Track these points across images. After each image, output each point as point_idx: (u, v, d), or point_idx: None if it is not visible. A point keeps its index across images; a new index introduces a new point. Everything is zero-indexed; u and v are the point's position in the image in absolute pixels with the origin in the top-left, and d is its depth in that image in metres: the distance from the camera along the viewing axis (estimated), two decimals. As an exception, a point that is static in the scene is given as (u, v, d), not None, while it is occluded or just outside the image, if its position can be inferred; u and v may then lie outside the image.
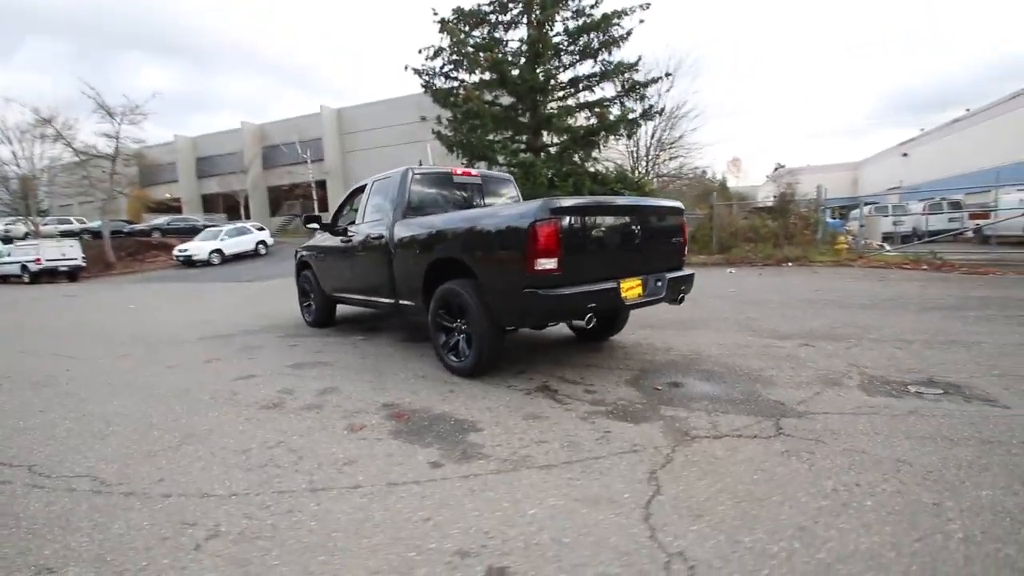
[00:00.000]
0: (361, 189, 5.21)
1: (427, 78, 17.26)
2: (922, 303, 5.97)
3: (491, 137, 16.25)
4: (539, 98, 16.49)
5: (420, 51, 16.48)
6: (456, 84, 17.28)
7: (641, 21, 15.42)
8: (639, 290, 3.44)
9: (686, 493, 1.95)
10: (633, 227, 3.42)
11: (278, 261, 20.56)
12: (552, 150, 16.91)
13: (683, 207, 4.00)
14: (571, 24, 15.62)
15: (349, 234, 5.05)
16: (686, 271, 3.93)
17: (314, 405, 3.19)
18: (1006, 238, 14.94)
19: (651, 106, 16.31)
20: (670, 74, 15.82)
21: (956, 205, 18.59)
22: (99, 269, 20.70)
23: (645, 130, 24.30)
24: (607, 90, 16.54)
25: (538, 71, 16.05)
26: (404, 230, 4.20)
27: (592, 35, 15.58)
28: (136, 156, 23.41)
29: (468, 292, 3.46)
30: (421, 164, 4.91)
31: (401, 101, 31.15)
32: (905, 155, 29.12)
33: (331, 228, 5.47)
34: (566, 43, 15.94)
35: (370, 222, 4.74)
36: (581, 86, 16.52)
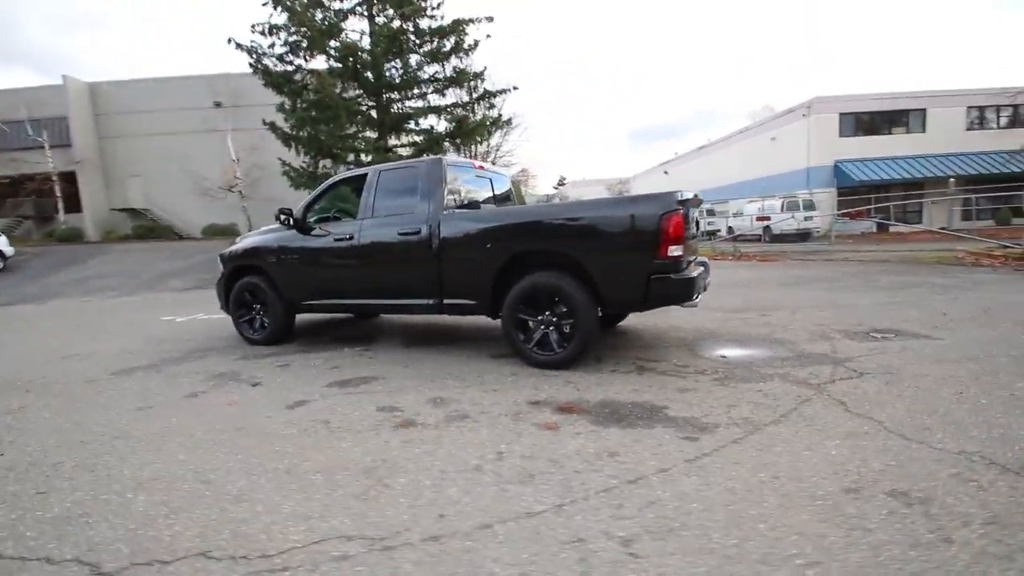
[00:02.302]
0: (353, 181, 4.56)
1: (256, 56, 15.03)
2: (775, 282, 7.98)
3: (340, 133, 15.05)
4: (392, 96, 15.94)
5: (253, 27, 14.26)
6: (291, 68, 15.47)
7: (488, 36, 16.27)
8: (696, 274, 3.97)
9: (896, 417, 2.51)
10: (698, 218, 3.94)
11: (34, 277, 15.38)
12: (402, 151, 16.49)
13: None
14: (423, 24, 15.46)
15: (347, 232, 4.38)
16: (703, 258, 4.63)
17: (459, 414, 2.85)
18: (748, 237, 20.48)
19: (500, 115, 17.28)
20: (516, 87, 16.93)
21: (711, 212, 24.75)
22: None
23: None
24: (451, 97, 16.96)
25: (388, 67, 15.51)
26: (460, 223, 3.91)
27: (443, 40, 15.68)
28: None
29: (569, 282, 3.49)
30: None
31: (186, 82, 26.17)
32: (666, 173, 36.87)
33: (300, 225, 4.64)
34: (415, 43, 15.73)
35: (387, 217, 4.22)
36: (431, 89, 16.49)
